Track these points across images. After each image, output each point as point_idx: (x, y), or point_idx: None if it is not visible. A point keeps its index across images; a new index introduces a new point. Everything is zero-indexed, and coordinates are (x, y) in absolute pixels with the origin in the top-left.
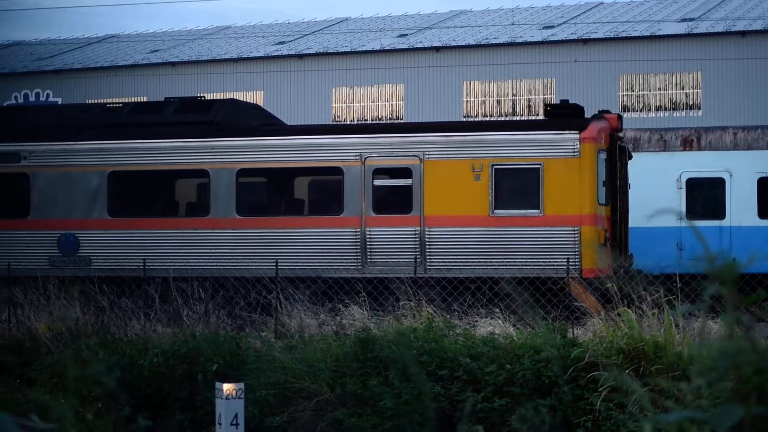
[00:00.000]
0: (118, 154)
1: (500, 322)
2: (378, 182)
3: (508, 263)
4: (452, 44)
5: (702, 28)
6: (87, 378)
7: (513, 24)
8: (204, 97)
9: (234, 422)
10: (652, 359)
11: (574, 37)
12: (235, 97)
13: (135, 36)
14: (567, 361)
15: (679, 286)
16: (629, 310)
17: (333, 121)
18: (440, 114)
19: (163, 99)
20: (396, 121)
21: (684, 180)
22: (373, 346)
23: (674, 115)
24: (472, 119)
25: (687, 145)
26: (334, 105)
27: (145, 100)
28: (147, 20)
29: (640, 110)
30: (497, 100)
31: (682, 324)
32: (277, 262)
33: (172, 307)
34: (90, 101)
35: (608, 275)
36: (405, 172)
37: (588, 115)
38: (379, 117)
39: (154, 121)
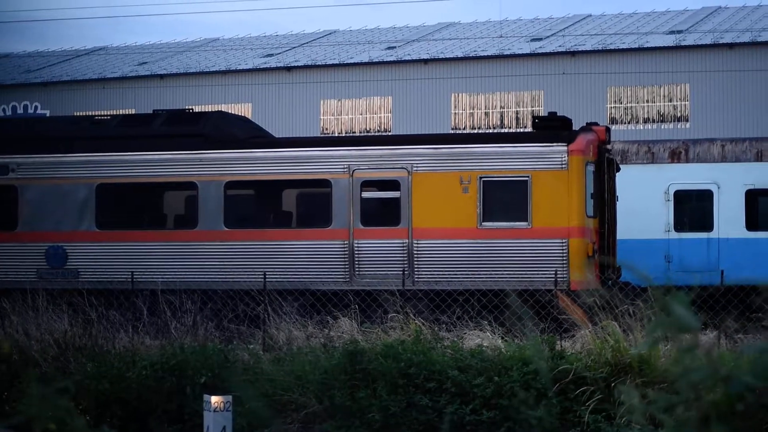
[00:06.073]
0: (106, 166)
1: (488, 334)
2: (366, 194)
3: (496, 275)
4: (440, 56)
5: (690, 40)
6: (76, 390)
7: (501, 36)
8: (192, 109)
9: None
10: (638, 372)
11: (562, 49)
12: (223, 110)
13: (123, 48)
14: (555, 373)
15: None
16: (614, 323)
17: (321, 134)
18: (428, 126)
19: (151, 111)
20: (384, 134)
21: (672, 192)
22: (361, 358)
23: (662, 127)
24: (460, 131)
25: (675, 157)
26: (322, 117)
27: (133, 112)
28: (136, 33)
29: (628, 122)
30: (485, 113)
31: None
32: (265, 275)
33: (160, 320)
34: (78, 113)
35: (596, 287)
36: (393, 185)
37: (576, 127)
38: (368, 129)
39: (142, 134)
